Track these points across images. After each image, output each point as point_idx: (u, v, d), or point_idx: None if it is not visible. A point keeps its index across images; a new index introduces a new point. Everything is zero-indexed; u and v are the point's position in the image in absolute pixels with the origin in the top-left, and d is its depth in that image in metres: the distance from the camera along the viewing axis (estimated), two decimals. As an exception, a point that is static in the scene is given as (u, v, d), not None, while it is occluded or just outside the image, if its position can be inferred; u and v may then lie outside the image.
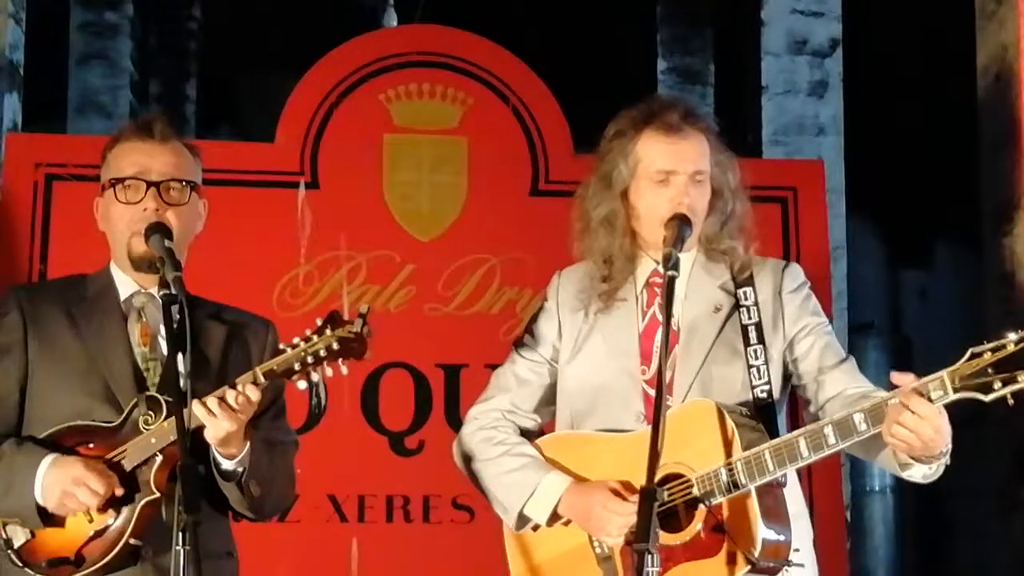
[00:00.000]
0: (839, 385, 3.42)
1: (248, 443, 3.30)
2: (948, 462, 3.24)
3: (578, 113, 6.27)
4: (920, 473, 3.26)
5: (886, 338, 9.07)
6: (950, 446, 3.17)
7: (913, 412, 3.03)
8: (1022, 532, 5.76)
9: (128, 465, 3.28)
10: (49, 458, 3.26)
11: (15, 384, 3.42)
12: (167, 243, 3.32)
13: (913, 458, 3.18)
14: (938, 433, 3.07)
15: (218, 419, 3.19)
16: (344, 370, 3.22)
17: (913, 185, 8.81)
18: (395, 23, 8.87)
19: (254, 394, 3.22)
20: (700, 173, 3.47)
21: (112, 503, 3.26)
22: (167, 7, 9.02)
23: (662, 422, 3.07)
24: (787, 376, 3.51)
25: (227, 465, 3.32)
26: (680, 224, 3.36)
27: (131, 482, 3.27)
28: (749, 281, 3.50)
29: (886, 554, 8.86)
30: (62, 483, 3.23)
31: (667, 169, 3.44)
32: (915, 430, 3.04)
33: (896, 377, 3.08)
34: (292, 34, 8.81)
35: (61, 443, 3.32)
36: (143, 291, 3.49)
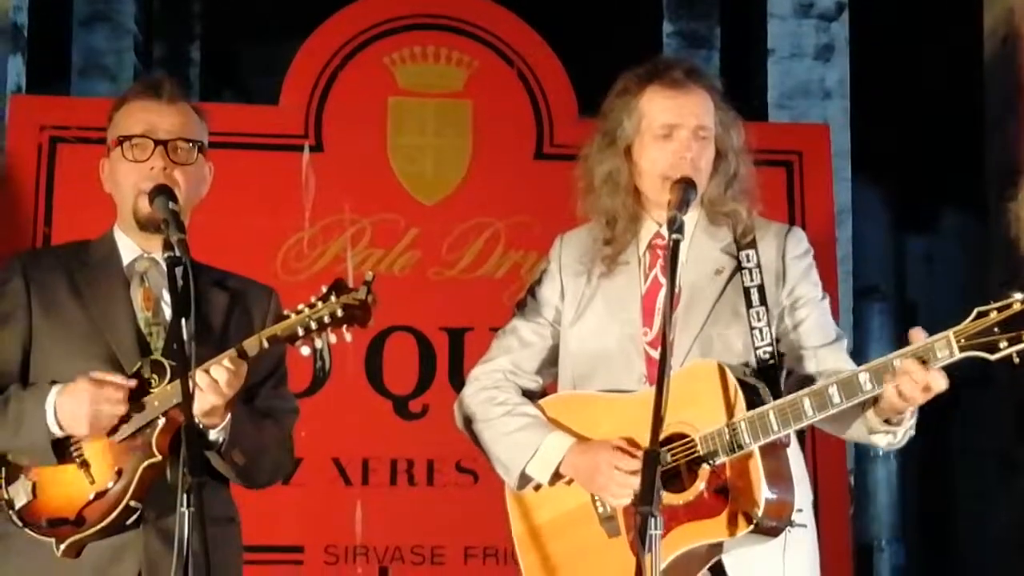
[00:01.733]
0: (826, 364, 3.42)
1: (229, 414, 3.31)
2: (913, 433, 3.29)
3: (583, 76, 6.26)
4: (885, 440, 3.30)
5: (891, 302, 9.06)
6: (916, 415, 3.22)
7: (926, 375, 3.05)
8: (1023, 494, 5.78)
9: (130, 429, 3.29)
10: (55, 389, 3.28)
11: (18, 350, 3.43)
12: (172, 205, 3.31)
13: (886, 421, 3.21)
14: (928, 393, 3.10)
15: (204, 394, 3.20)
16: (348, 337, 3.22)
17: (919, 149, 8.79)
18: (400, -15, 8.83)
19: (240, 368, 3.23)
20: (703, 128, 3.47)
21: (114, 466, 3.27)
22: (171, -31, 8.99)
23: (666, 385, 3.07)
24: (777, 340, 3.50)
25: (209, 434, 3.33)
26: (685, 187, 3.36)
27: (137, 443, 3.28)
28: (752, 244, 3.50)
29: (889, 519, 8.88)
30: (83, 408, 3.24)
31: (670, 123, 3.45)
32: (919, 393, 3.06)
33: (913, 334, 3.08)
34: (297, -4, 8.78)
35: None
36: (146, 256, 3.50)
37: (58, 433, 3.28)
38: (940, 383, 3.07)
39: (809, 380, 3.36)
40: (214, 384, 3.20)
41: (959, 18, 6.74)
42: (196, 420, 3.25)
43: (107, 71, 8.02)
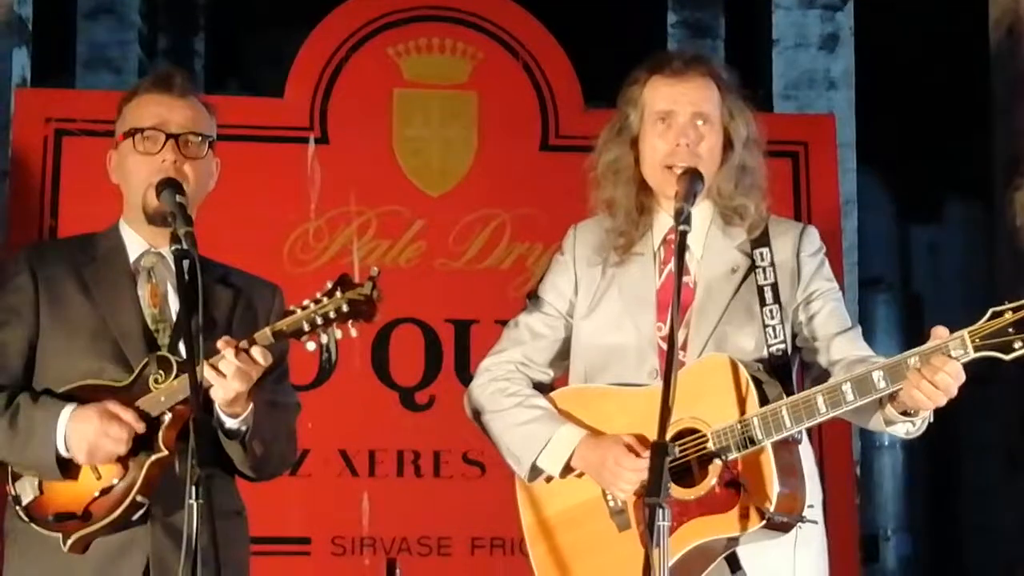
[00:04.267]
0: (843, 351, 3.43)
1: (251, 402, 3.31)
2: (931, 419, 3.28)
3: (588, 67, 6.26)
4: (904, 429, 3.30)
5: (896, 293, 9.07)
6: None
7: (946, 372, 3.04)
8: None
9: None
10: (67, 410, 3.28)
11: (25, 344, 3.43)
12: (179, 198, 3.31)
13: (903, 413, 3.21)
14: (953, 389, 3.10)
15: (227, 379, 3.19)
16: (353, 332, 3.21)
17: (924, 139, 8.78)
18: (404, -23, 8.83)
19: (264, 356, 3.22)
20: (702, 115, 3.46)
21: (127, 456, 3.27)
22: (175, -39, 8.99)
23: (674, 376, 3.07)
24: (795, 336, 3.51)
25: (231, 424, 3.33)
26: (691, 178, 3.36)
27: (141, 439, 3.28)
28: (765, 241, 3.50)
29: (895, 509, 8.89)
30: (86, 436, 3.24)
31: (667, 109, 3.46)
32: (946, 389, 3.06)
33: (936, 331, 3.09)
34: (300, -12, 8.78)
35: (74, 399, 3.33)
36: (153, 250, 3.50)
37: (65, 454, 3.29)
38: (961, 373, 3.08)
39: (829, 370, 3.38)
40: (240, 371, 3.18)
41: (964, 8, 6.74)
42: (219, 410, 3.27)
43: (111, 63, 8.03)
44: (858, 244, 7.09)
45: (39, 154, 5.93)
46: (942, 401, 3.10)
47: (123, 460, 3.28)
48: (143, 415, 3.27)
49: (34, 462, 3.32)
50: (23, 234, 5.80)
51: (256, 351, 3.20)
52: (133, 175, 3.46)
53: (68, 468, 3.30)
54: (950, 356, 3.04)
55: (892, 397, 3.19)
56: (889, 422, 3.27)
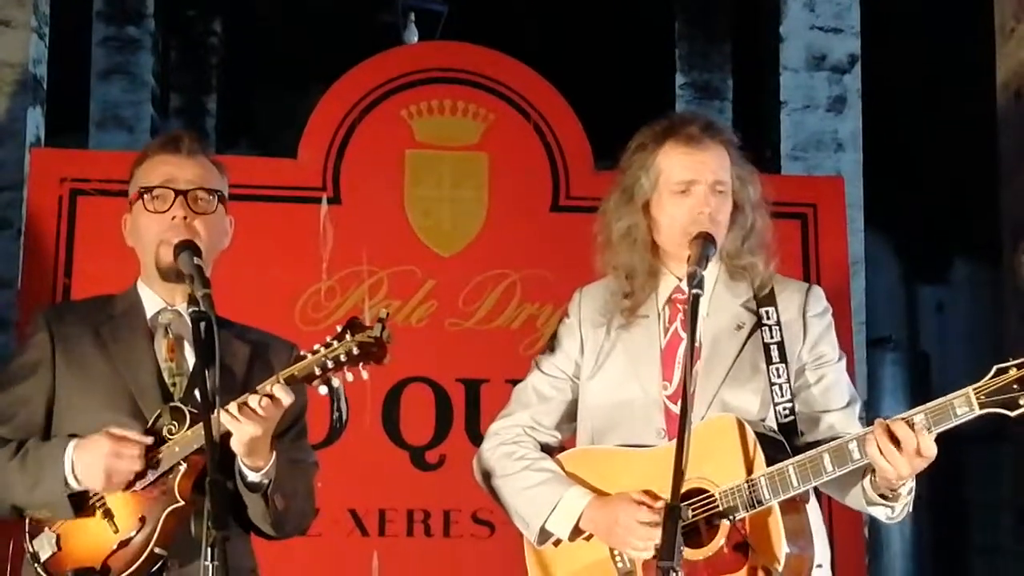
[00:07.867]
0: (831, 430, 3.44)
1: (274, 455, 3.33)
2: (911, 509, 3.33)
3: (598, 128, 6.30)
4: (884, 514, 3.33)
5: (904, 352, 9.08)
6: (913, 491, 3.26)
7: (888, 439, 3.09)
8: (1040, 548, 5.77)
9: (152, 475, 3.31)
10: (72, 443, 3.31)
11: (43, 400, 3.46)
12: (196, 260, 3.35)
13: (880, 495, 3.24)
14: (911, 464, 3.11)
15: (242, 424, 3.21)
16: (365, 375, 3.23)
17: (931, 200, 8.83)
18: (416, 40, 8.90)
19: (284, 395, 3.23)
20: (720, 184, 3.48)
21: (138, 515, 3.30)
22: (189, 22, 9.09)
23: (686, 439, 3.08)
24: (793, 395, 3.50)
25: (253, 477, 3.34)
26: (704, 242, 3.38)
27: (157, 489, 3.31)
28: (771, 300, 3.52)
29: (903, 569, 8.86)
30: (99, 461, 3.26)
31: (687, 179, 3.46)
32: (885, 449, 3.10)
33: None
34: (312, 50, 8.87)
35: None
36: (170, 308, 3.53)
37: (76, 487, 3.31)
38: (931, 448, 3.10)
39: (817, 444, 3.35)
40: (253, 414, 3.21)
41: (971, 70, 6.79)
42: (241, 463, 3.30)
43: (124, 122, 8.12)
44: (866, 304, 7.11)
45: (53, 213, 5.96)
46: (905, 467, 3.11)
47: (141, 512, 3.30)
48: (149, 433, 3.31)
49: (46, 500, 3.33)
50: (36, 292, 5.83)
51: (272, 389, 3.22)
52: (145, 234, 3.51)
53: (81, 505, 3.32)
54: (955, 414, 3.05)
55: (872, 474, 3.21)
56: (870, 502, 3.29)
